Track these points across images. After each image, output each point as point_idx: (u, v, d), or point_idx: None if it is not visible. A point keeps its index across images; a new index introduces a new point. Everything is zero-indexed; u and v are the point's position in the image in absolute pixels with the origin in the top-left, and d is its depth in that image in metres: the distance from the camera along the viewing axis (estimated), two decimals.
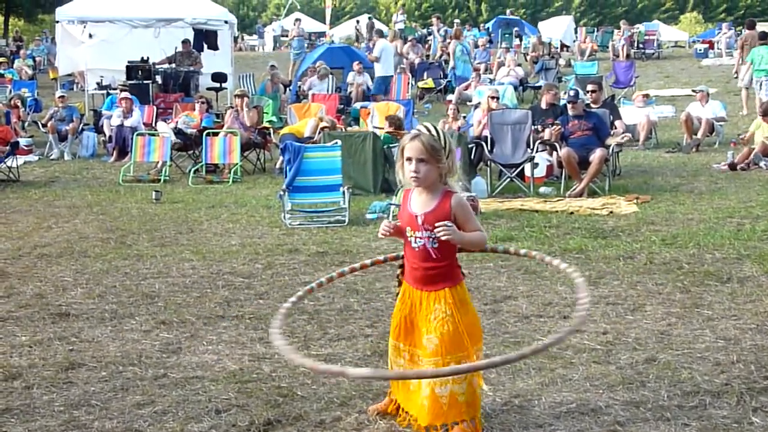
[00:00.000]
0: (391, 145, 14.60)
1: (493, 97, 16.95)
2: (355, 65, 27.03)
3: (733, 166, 16.07)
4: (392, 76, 27.13)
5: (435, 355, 4.86)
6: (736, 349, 6.44)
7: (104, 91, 24.92)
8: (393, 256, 5.49)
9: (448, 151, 4.85)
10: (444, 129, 16.21)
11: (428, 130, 4.85)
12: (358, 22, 49.46)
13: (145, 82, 23.72)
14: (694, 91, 20.85)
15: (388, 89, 26.41)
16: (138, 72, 23.93)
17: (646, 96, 21.46)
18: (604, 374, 5.94)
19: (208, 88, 25.51)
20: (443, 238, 4.74)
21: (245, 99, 18.64)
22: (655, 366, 6.09)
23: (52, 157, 20.02)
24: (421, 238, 4.89)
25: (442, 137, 4.84)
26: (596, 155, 13.67)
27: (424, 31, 47.94)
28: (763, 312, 7.34)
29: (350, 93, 25.92)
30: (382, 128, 16.19)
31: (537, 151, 14.97)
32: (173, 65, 25.01)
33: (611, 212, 12.20)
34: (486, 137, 15.34)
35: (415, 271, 4.96)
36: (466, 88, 27.18)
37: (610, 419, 5.18)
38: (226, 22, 25.87)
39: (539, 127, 15.50)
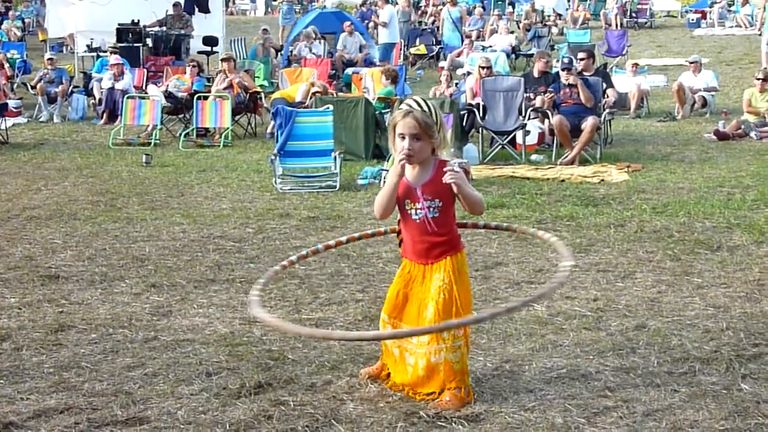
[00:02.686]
0: (383, 111, 14.58)
1: (483, 67, 16.84)
2: (346, 26, 26.82)
3: (719, 134, 16.06)
4: (396, 42, 27.07)
5: (430, 322, 4.87)
6: (725, 316, 6.46)
7: (94, 54, 24.74)
8: (382, 231, 5.56)
9: (440, 126, 4.84)
10: (436, 96, 16.17)
11: (419, 106, 4.82)
12: None
13: (135, 45, 23.56)
14: (688, 62, 20.73)
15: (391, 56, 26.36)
16: (128, 35, 23.77)
17: (636, 65, 21.41)
18: (594, 340, 5.96)
19: (199, 52, 25.37)
20: (449, 181, 4.70)
21: (231, 62, 18.51)
22: (645, 333, 6.11)
23: (41, 120, 19.91)
24: (421, 209, 4.87)
25: (434, 112, 4.82)
26: (588, 123, 13.65)
27: None
28: (753, 280, 7.37)
29: (341, 57, 25.73)
30: (383, 97, 16.00)
31: (529, 119, 14.94)
32: (164, 28, 24.83)
33: (602, 180, 12.20)
34: (478, 104, 15.30)
35: (417, 245, 4.94)
36: (458, 55, 27.09)
37: (600, 384, 5.19)
38: None
39: (531, 95, 15.47)
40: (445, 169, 4.75)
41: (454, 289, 4.87)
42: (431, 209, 4.86)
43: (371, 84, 18.20)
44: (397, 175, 4.84)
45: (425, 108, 4.81)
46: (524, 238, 8.78)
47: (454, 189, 4.77)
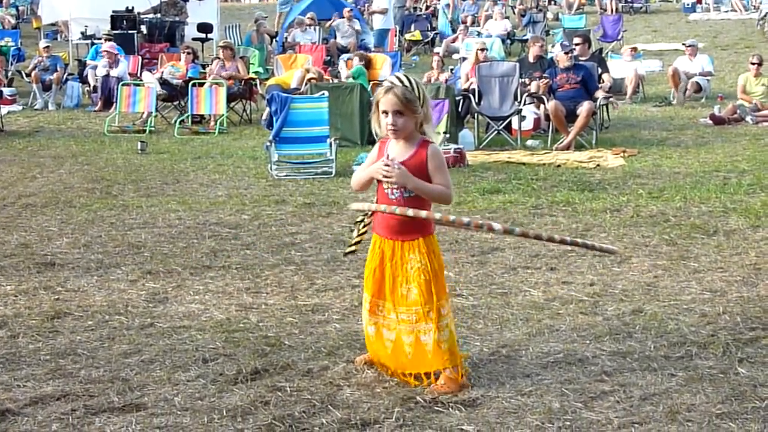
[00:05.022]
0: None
1: (482, 50, 16.85)
2: (345, 12, 26.77)
3: (715, 119, 16.06)
4: (391, 28, 27.05)
5: (416, 304, 4.88)
6: (722, 300, 6.46)
7: (89, 41, 24.68)
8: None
9: (423, 100, 4.83)
10: (430, 82, 16.19)
11: (401, 82, 4.82)
12: None
13: (130, 32, 23.50)
14: (684, 44, 20.71)
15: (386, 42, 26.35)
16: (123, 22, 23.72)
17: (634, 50, 21.38)
18: (591, 325, 5.96)
19: (194, 39, 25.28)
20: (390, 181, 4.75)
21: (229, 51, 18.51)
22: (641, 317, 6.11)
23: (36, 107, 19.87)
24: (397, 188, 4.86)
25: (415, 87, 4.81)
26: (584, 108, 13.63)
27: None
28: (749, 264, 7.37)
29: (335, 43, 25.65)
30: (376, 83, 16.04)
31: (524, 104, 14.93)
32: (159, 15, 24.78)
33: (598, 165, 12.19)
34: (474, 90, 15.28)
35: (389, 220, 4.92)
36: (453, 41, 27.06)
37: (597, 369, 5.19)
38: None
39: (527, 80, 15.45)
40: (384, 166, 4.77)
41: (430, 271, 4.86)
42: (407, 188, 4.85)
43: (344, 70, 18.32)
44: (373, 174, 4.88)
45: (407, 83, 4.80)
46: (521, 223, 8.79)
47: (403, 185, 4.78)
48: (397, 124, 4.79)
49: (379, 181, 4.93)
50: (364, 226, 5.16)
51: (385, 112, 4.82)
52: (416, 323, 4.90)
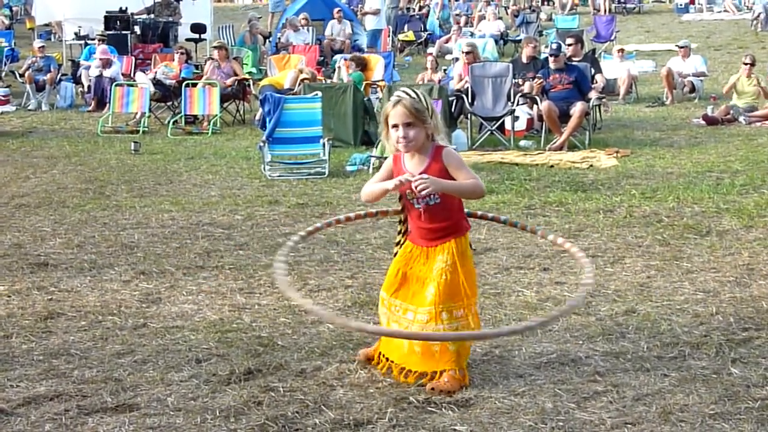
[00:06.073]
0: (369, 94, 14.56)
1: (466, 52, 16.77)
2: (335, 12, 26.77)
3: (708, 119, 16.09)
4: (383, 29, 27.06)
5: (430, 304, 4.91)
6: (715, 301, 6.47)
7: (82, 42, 24.65)
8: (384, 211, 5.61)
9: (431, 111, 4.90)
10: (424, 82, 16.17)
11: (407, 94, 4.87)
12: None
13: (123, 32, 23.46)
14: (678, 46, 20.76)
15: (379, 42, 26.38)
16: (116, 22, 23.66)
17: (622, 51, 21.32)
18: (584, 325, 5.96)
19: (187, 39, 25.26)
20: (423, 193, 4.75)
21: (224, 51, 18.52)
22: (634, 317, 6.11)
23: (29, 108, 19.84)
24: (422, 198, 4.89)
25: (422, 98, 4.88)
26: (577, 109, 13.64)
27: None
28: (742, 265, 7.38)
29: (329, 44, 25.65)
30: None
31: (517, 105, 14.94)
32: (152, 15, 24.73)
33: (591, 166, 12.20)
34: (467, 90, 15.29)
35: (422, 231, 5.01)
36: (447, 41, 27.07)
37: (590, 369, 5.20)
38: None
39: (520, 81, 15.46)
40: (412, 185, 4.77)
41: (460, 272, 4.91)
42: (432, 197, 4.88)
43: (344, 73, 18.33)
44: (392, 187, 4.87)
45: (413, 95, 4.87)
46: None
47: (433, 193, 4.81)
48: (409, 136, 4.83)
49: (401, 194, 4.98)
50: (403, 234, 5.19)
51: (396, 126, 4.86)
52: (426, 323, 4.92)
